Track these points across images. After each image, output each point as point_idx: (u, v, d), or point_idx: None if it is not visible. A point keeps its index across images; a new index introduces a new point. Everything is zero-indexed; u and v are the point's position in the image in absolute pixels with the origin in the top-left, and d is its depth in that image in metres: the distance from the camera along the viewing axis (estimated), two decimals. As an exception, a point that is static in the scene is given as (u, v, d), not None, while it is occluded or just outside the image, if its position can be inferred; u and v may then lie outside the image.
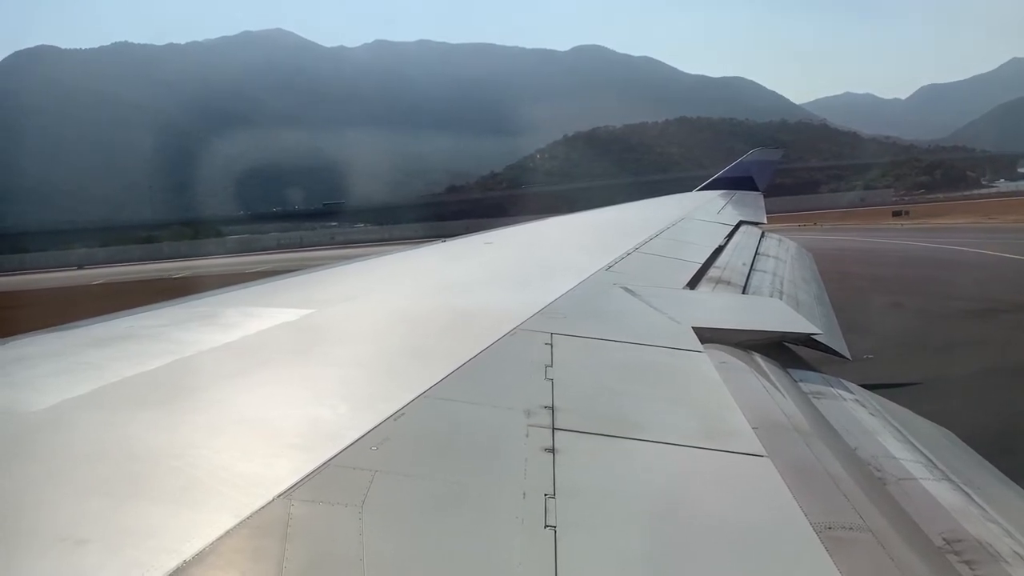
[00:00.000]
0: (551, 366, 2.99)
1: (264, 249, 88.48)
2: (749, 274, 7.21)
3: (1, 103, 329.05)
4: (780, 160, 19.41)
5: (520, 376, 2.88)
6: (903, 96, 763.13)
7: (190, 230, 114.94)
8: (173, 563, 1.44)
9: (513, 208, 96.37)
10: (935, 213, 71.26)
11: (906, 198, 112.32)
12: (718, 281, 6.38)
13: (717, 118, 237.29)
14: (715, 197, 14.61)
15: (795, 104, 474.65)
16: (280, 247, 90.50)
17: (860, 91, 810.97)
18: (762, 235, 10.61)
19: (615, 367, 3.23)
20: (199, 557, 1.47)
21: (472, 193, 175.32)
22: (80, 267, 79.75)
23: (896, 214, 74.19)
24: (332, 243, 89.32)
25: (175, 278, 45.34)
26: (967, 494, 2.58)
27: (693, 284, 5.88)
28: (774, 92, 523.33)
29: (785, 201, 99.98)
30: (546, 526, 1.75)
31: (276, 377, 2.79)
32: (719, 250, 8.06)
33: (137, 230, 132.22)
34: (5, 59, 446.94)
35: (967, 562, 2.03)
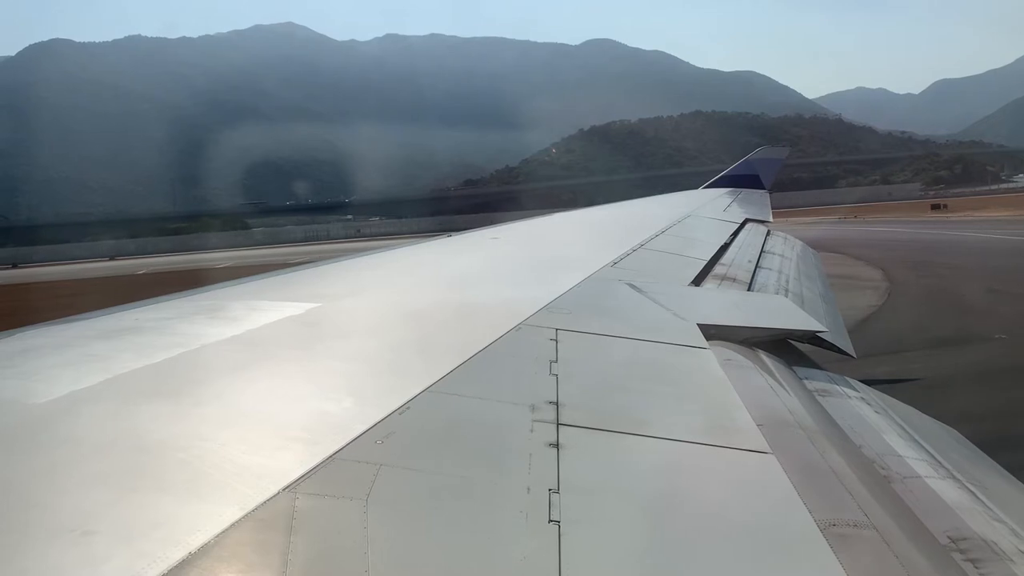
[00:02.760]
0: (556, 362, 3.00)
1: (293, 241, 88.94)
2: (755, 271, 7.20)
3: (16, 96, 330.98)
4: (785, 158, 19.38)
5: (525, 371, 2.88)
6: (916, 91, 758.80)
7: (217, 222, 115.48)
8: (179, 555, 1.45)
9: (529, 202, 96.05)
10: (972, 207, 70.43)
11: (931, 192, 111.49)
12: (723, 278, 6.38)
13: (732, 112, 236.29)
14: (721, 195, 14.65)
15: (807, 99, 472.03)
16: (308, 239, 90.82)
17: (872, 86, 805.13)
18: (768, 233, 10.61)
19: (620, 363, 3.23)
20: (205, 549, 1.48)
21: (489, 187, 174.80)
22: (111, 258, 79.96)
23: (935, 207, 74.60)
24: (359, 236, 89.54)
25: (220, 268, 45.45)
26: (972, 492, 2.58)
27: (698, 281, 5.87)
28: (786, 86, 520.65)
29: (806, 195, 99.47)
30: (550, 521, 1.75)
31: (282, 371, 2.80)
32: (724, 247, 8.07)
33: (152, 222, 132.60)
34: (20, 52, 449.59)
35: (972, 560, 2.02)
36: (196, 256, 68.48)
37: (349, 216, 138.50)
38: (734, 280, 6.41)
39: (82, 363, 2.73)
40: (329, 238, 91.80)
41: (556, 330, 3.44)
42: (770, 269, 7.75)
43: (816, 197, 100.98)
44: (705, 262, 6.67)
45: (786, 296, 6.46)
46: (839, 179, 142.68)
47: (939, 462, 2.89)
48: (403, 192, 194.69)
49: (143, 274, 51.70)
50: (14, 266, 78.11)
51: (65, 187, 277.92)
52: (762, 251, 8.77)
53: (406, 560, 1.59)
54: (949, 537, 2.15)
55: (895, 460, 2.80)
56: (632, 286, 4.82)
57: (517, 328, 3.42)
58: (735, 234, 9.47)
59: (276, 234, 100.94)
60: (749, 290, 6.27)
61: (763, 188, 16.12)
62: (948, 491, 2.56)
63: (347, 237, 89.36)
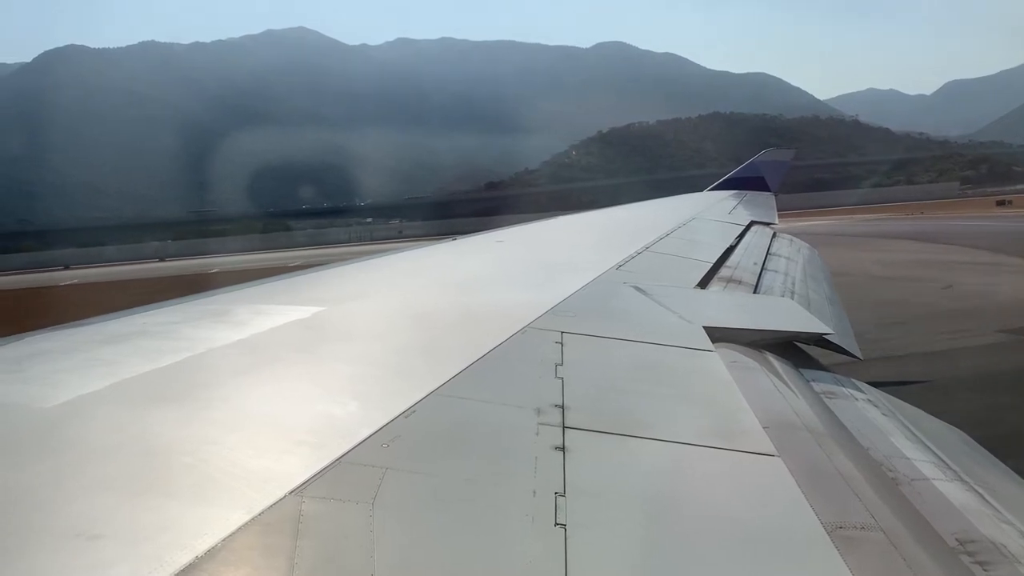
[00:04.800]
0: (561, 365, 2.99)
1: (338, 242, 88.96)
2: (760, 274, 7.18)
3: (32, 101, 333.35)
4: (791, 160, 19.01)
5: (530, 374, 2.88)
6: (928, 92, 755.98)
7: (259, 224, 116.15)
8: (186, 559, 1.45)
9: (550, 204, 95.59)
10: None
11: (967, 191, 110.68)
12: (729, 280, 6.37)
13: (750, 114, 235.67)
14: (726, 197, 14.63)
15: (819, 100, 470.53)
16: (351, 240, 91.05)
17: (883, 87, 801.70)
18: (773, 235, 10.62)
19: (625, 366, 3.22)
20: (212, 553, 1.48)
21: (510, 189, 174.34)
22: (162, 259, 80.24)
23: (1000, 203, 77.14)
24: (401, 236, 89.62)
25: (291, 267, 45.00)
26: (980, 494, 2.56)
27: (704, 283, 5.87)
28: (798, 88, 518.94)
29: (836, 196, 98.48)
30: (556, 524, 1.75)
31: (287, 374, 2.80)
32: (730, 250, 8.05)
33: (173, 226, 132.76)
34: (36, 58, 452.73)
35: (980, 563, 2.02)
36: (258, 256, 68.08)
37: (368, 219, 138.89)
38: (740, 282, 6.39)
39: (89, 367, 2.73)
40: (372, 239, 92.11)
41: (561, 333, 3.44)
42: (776, 271, 7.70)
43: (845, 197, 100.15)
44: (711, 265, 6.64)
45: (792, 298, 6.41)
46: (862, 179, 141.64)
47: (947, 464, 2.86)
48: (416, 195, 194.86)
49: (216, 272, 51.14)
50: (66, 267, 79.03)
51: (79, 192, 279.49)
52: (768, 253, 8.72)
53: (412, 563, 1.59)
54: (957, 539, 2.15)
55: (902, 462, 2.78)
56: (637, 289, 4.81)
57: (522, 331, 3.42)
58: (741, 236, 9.44)
59: (316, 236, 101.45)
60: (755, 292, 6.24)
61: (769, 190, 15.95)
62: (956, 493, 2.54)
63: (390, 238, 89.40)
